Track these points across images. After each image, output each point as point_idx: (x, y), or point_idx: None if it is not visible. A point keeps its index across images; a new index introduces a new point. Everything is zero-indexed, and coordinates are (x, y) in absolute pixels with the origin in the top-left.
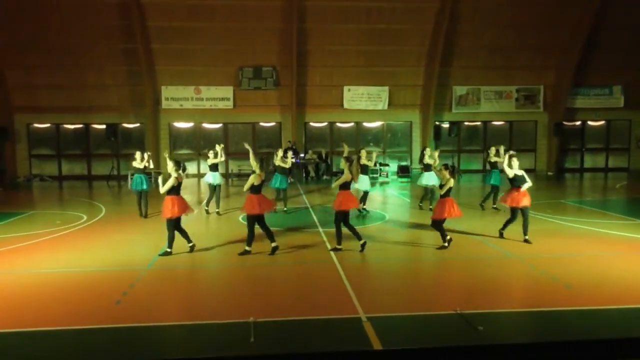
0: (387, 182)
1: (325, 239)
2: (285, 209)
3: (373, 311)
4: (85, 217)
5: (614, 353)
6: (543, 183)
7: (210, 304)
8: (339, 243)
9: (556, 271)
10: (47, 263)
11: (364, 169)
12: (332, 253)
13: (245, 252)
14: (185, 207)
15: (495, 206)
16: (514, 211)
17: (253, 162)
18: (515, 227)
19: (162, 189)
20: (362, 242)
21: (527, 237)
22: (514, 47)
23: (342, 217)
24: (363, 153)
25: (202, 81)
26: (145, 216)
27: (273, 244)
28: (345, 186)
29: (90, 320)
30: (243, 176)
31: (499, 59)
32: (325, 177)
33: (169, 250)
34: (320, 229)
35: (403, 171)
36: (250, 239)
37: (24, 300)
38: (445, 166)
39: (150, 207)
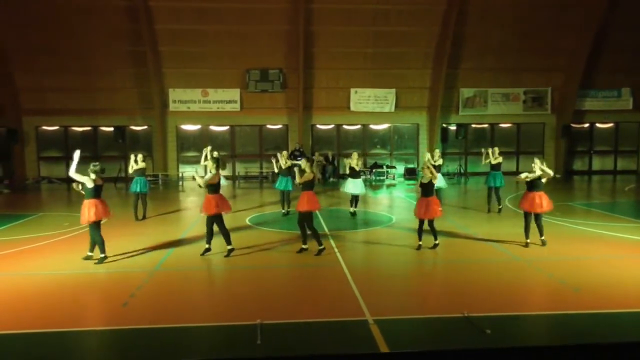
0: (393, 185)
1: (331, 241)
2: (289, 209)
3: (380, 314)
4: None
5: (623, 357)
6: (551, 185)
7: (217, 306)
8: (304, 243)
9: (564, 274)
10: (54, 265)
11: (355, 172)
12: (338, 254)
13: (206, 250)
14: (105, 212)
15: (500, 207)
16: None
17: (209, 165)
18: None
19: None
20: (321, 247)
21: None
22: (522, 49)
23: (307, 218)
24: (354, 156)
25: (209, 83)
26: (144, 218)
27: (229, 247)
28: (309, 186)
29: (97, 322)
30: (250, 178)
31: (506, 61)
32: (332, 179)
33: (103, 256)
34: (327, 231)
35: (410, 173)
36: (209, 237)
37: (31, 301)
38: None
39: (149, 209)
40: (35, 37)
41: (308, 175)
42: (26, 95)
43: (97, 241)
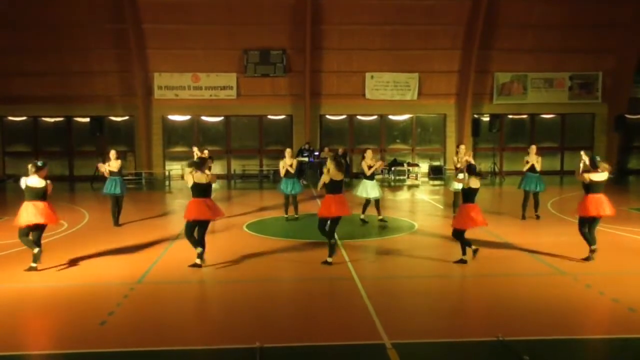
0: (416, 185)
1: (343, 251)
2: (297, 215)
3: (399, 336)
4: (66, 225)
5: None
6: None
7: (210, 325)
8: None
9: (617, 292)
10: (20, 277)
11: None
12: (350, 267)
13: (196, 265)
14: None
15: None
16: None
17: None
18: (571, 239)
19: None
20: (329, 260)
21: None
22: (567, 27)
23: (323, 224)
24: (369, 153)
25: (201, 67)
26: (117, 224)
27: (198, 260)
28: (335, 188)
29: (69, 343)
30: (247, 177)
31: (549, 41)
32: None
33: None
34: (337, 240)
35: (435, 172)
36: (202, 248)
37: None
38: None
39: (126, 214)
40: None
41: (333, 175)
42: None
43: (27, 245)
